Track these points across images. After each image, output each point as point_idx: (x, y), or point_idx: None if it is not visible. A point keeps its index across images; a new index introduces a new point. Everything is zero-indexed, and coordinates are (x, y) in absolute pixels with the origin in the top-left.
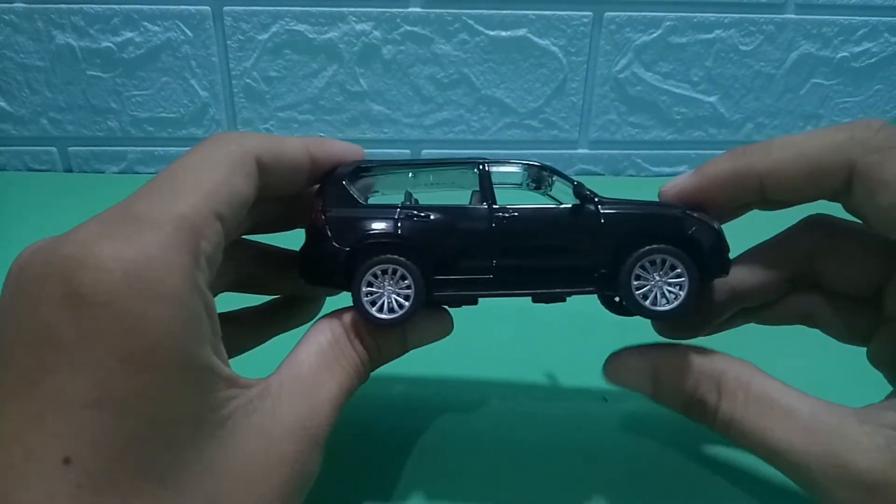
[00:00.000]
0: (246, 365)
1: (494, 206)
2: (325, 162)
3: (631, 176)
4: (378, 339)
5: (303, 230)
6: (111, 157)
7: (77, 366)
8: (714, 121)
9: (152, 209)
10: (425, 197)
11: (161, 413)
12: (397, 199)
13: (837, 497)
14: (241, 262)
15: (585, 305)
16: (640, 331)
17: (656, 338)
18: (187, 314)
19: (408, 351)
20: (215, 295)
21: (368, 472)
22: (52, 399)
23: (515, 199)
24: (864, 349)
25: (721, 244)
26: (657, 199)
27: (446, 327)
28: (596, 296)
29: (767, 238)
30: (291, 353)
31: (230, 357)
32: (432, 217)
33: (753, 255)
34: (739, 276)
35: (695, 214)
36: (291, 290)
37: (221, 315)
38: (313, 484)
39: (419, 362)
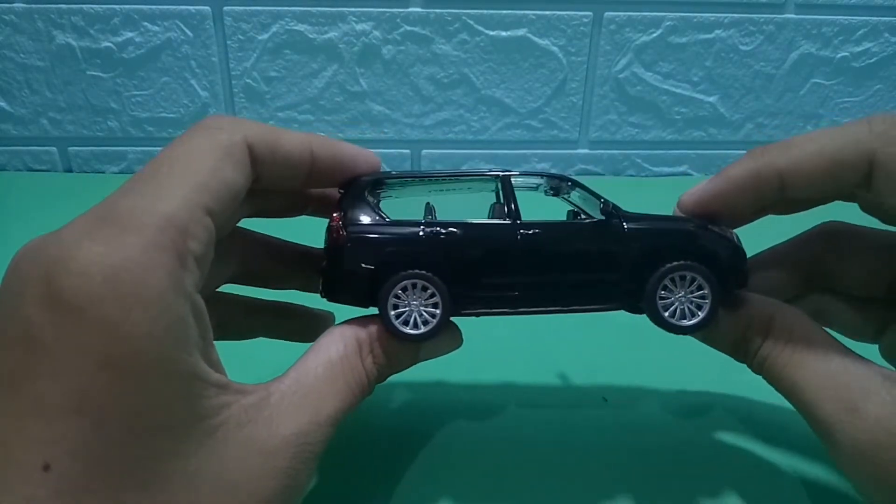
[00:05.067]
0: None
1: (519, 223)
2: (329, 164)
3: (631, 176)
4: (391, 353)
5: (306, 217)
6: (111, 157)
7: (57, 371)
8: (714, 121)
9: (136, 209)
10: (443, 201)
11: (142, 421)
12: (414, 203)
13: (841, 437)
14: (247, 255)
15: None
16: (638, 330)
17: (657, 338)
18: (170, 319)
19: (416, 363)
20: (218, 286)
21: (366, 473)
22: (32, 404)
23: (532, 203)
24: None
25: (739, 257)
26: (675, 209)
27: (457, 340)
28: None
29: (780, 242)
30: (301, 359)
31: (238, 339)
32: (457, 234)
33: (767, 258)
34: (752, 277)
35: (715, 229)
36: (300, 286)
37: (234, 297)
38: (308, 492)
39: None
